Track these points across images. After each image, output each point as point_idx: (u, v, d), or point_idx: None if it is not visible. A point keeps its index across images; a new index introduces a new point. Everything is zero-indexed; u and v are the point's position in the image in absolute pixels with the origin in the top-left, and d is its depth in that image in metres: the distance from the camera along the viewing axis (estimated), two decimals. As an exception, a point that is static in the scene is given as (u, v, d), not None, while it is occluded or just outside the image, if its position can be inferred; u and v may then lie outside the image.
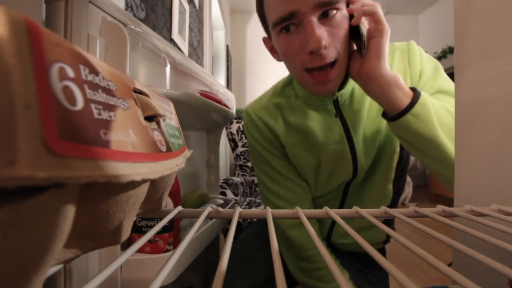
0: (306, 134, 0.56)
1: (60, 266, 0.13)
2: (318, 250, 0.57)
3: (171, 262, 0.13)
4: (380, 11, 0.43)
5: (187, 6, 1.44)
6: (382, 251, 0.72)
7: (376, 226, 0.71)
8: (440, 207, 0.24)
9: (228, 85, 3.31)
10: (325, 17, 0.44)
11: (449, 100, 0.50)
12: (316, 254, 0.58)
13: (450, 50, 3.65)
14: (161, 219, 0.21)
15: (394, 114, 0.44)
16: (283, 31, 0.47)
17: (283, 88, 0.62)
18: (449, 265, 0.17)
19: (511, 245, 0.16)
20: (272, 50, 0.55)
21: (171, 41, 1.21)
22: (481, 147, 0.32)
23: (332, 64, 0.46)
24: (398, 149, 0.57)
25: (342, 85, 0.53)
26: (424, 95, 0.43)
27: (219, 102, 0.74)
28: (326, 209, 0.24)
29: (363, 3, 0.45)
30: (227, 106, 0.81)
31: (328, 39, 0.44)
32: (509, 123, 0.29)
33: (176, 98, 0.53)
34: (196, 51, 1.72)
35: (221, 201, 0.83)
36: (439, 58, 3.79)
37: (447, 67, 3.63)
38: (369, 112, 0.55)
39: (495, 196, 0.30)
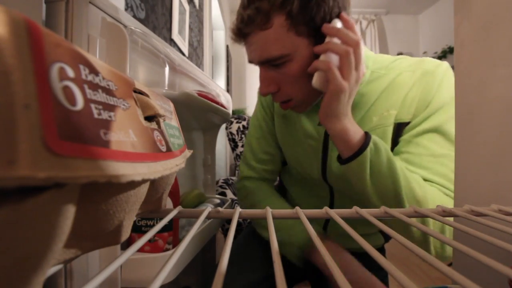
0: (295, 121, 0.61)
1: (60, 266, 0.13)
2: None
3: (173, 260, 0.13)
4: (332, 68, 0.42)
5: (187, 6, 1.44)
6: (382, 251, 0.72)
7: (373, 233, 0.70)
8: (440, 207, 0.24)
9: (228, 85, 3.31)
10: (272, 66, 0.48)
11: (442, 143, 0.47)
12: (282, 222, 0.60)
13: (450, 50, 3.65)
14: (160, 218, 0.21)
15: (339, 159, 0.48)
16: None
17: None
18: (449, 265, 0.17)
19: (511, 245, 0.16)
20: None
21: (171, 41, 1.21)
22: (481, 148, 0.32)
23: (287, 101, 0.52)
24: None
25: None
26: (367, 154, 0.43)
27: (216, 102, 0.75)
28: (326, 209, 0.24)
29: (327, 48, 0.43)
30: (223, 106, 0.81)
31: (277, 84, 0.49)
32: (509, 123, 0.29)
33: (175, 98, 0.53)
34: (196, 51, 1.72)
35: (218, 201, 0.83)
36: (439, 58, 3.79)
37: (447, 67, 3.63)
38: (365, 119, 0.53)
39: (495, 196, 0.30)
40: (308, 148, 0.59)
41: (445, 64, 0.51)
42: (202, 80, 0.81)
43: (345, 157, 0.46)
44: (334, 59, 0.44)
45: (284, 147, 0.66)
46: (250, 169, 0.70)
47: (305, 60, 0.47)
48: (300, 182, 0.68)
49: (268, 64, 0.48)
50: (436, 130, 0.48)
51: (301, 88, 0.49)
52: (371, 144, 0.44)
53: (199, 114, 0.76)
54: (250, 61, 0.51)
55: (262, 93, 0.50)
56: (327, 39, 0.45)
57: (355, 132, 0.45)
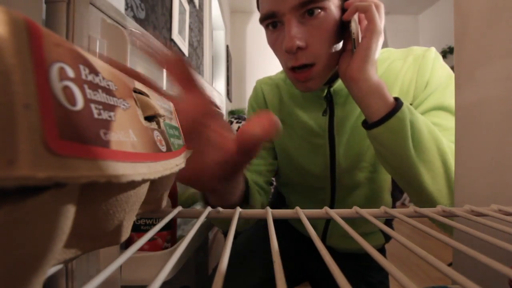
0: (294, 121, 0.59)
1: (60, 266, 0.13)
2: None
3: (175, 258, 0.13)
4: (374, 10, 0.41)
5: (187, 6, 1.44)
6: (382, 251, 0.72)
7: (374, 232, 0.69)
8: (440, 207, 0.24)
9: (228, 84, 3.31)
10: (308, 15, 0.42)
11: (449, 118, 0.47)
12: None
13: (450, 50, 3.65)
14: (159, 218, 0.21)
15: (370, 123, 0.42)
16: (269, 27, 0.47)
17: (283, 73, 0.67)
18: (449, 265, 0.17)
19: (511, 245, 0.16)
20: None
21: (171, 41, 1.21)
22: (481, 147, 0.32)
23: (310, 66, 0.46)
24: None
25: (333, 82, 0.53)
26: (406, 111, 0.40)
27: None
28: (326, 209, 0.24)
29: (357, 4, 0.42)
30: (217, 107, 0.83)
31: (306, 40, 0.43)
32: (509, 123, 0.29)
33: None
34: (196, 51, 1.72)
35: None
36: (439, 58, 3.79)
37: (447, 67, 3.63)
38: (361, 115, 0.54)
39: (495, 196, 0.30)
40: (312, 147, 0.58)
41: (432, 48, 0.54)
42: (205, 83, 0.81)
43: (382, 114, 0.40)
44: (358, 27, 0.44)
45: (283, 152, 0.63)
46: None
47: (335, 17, 0.43)
48: (299, 188, 0.66)
49: (302, 11, 0.42)
50: (439, 107, 0.49)
51: (328, 48, 0.45)
52: (404, 102, 0.41)
53: None
54: (275, 11, 0.43)
55: (291, 46, 0.42)
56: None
57: (385, 86, 0.42)
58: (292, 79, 0.50)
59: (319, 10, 0.42)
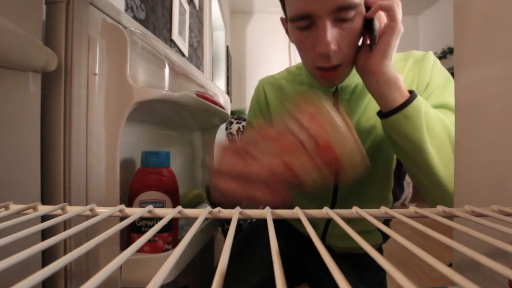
0: None
1: (60, 266, 0.13)
2: None
3: (173, 260, 0.13)
4: (396, 8, 0.43)
5: (187, 7, 1.44)
6: (379, 251, 0.72)
7: (372, 231, 0.70)
8: (440, 208, 0.24)
9: (228, 85, 3.31)
10: (340, 19, 0.44)
11: (450, 114, 0.50)
12: None
13: (450, 51, 3.65)
14: (160, 219, 0.21)
15: (386, 111, 0.45)
16: (298, 27, 0.47)
17: (294, 72, 0.67)
18: (449, 265, 0.17)
19: (511, 246, 0.16)
20: (288, 32, 0.56)
21: (171, 41, 1.22)
22: (481, 148, 0.32)
23: (337, 66, 0.47)
24: (395, 155, 0.58)
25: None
26: (420, 100, 0.44)
27: (215, 103, 0.76)
28: (325, 209, 0.24)
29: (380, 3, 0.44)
30: (222, 107, 0.82)
31: (338, 43, 0.44)
32: (509, 123, 0.29)
33: (176, 99, 0.53)
34: (196, 52, 1.72)
35: None
36: (439, 58, 3.79)
37: (447, 67, 3.62)
38: (366, 111, 0.55)
39: (495, 197, 0.30)
40: None
41: (430, 52, 0.57)
42: (201, 81, 0.81)
43: (400, 102, 0.43)
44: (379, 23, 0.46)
45: None
46: None
47: (362, 18, 0.45)
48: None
49: (338, 16, 0.43)
50: (441, 106, 0.51)
51: (353, 49, 0.47)
52: (418, 95, 0.44)
53: (198, 115, 0.76)
54: (311, 13, 0.43)
55: (327, 50, 0.43)
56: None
57: (401, 79, 0.45)
58: (317, 77, 0.52)
59: (352, 13, 0.44)
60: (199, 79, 0.79)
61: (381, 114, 0.47)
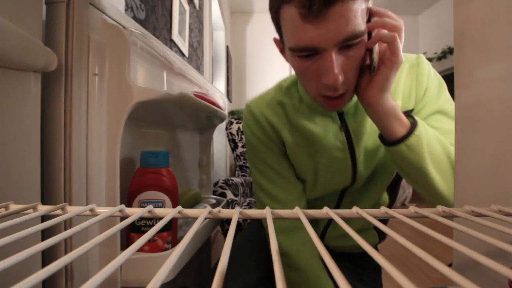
0: (309, 138, 0.56)
1: (60, 266, 0.13)
2: (308, 262, 0.57)
3: (174, 259, 0.13)
4: (397, 41, 0.41)
5: (187, 7, 1.44)
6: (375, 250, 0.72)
7: (369, 229, 0.70)
8: (440, 208, 0.24)
9: (228, 85, 3.31)
10: (345, 48, 0.42)
11: (446, 121, 0.52)
12: (308, 267, 0.58)
13: (450, 51, 3.65)
14: (160, 218, 0.21)
15: (389, 141, 0.46)
16: (299, 56, 0.45)
17: (288, 88, 0.61)
18: (449, 265, 0.17)
19: (511, 246, 0.16)
20: (283, 52, 0.53)
21: (171, 41, 1.22)
22: (481, 148, 0.32)
23: (343, 93, 0.46)
24: None
25: None
26: (420, 127, 0.44)
27: (213, 103, 0.75)
28: (326, 209, 0.24)
29: (384, 23, 0.42)
30: (219, 107, 0.82)
31: (344, 72, 0.43)
32: (509, 123, 0.29)
33: (175, 100, 0.53)
34: (196, 52, 1.72)
35: (214, 201, 0.84)
36: (439, 58, 3.79)
37: (447, 67, 3.63)
38: (372, 124, 0.54)
39: (495, 197, 0.30)
40: (334, 162, 0.56)
41: (422, 55, 0.57)
42: (199, 81, 0.82)
43: (401, 135, 0.44)
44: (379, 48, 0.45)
45: (305, 172, 0.60)
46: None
47: (364, 43, 0.43)
48: (310, 198, 0.64)
49: (344, 45, 0.41)
50: (439, 111, 0.53)
51: (356, 75, 0.46)
52: (417, 118, 0.45)
53: (195, 115, 0.76)
54: (315, 46, 0.41)
55: (335, 82, 0.42)
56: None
57: (399, 108, 0.46)
58: (322, 104, 0.49)
59: (359, 41, 0.42)
60: (197, 79, 0.80)
61: (383, 141, 0.47)
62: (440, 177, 0.45)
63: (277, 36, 0.51)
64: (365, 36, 0.43)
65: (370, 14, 0.44)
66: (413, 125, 0.44)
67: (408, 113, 0.46)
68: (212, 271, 0.68)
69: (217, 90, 0.98)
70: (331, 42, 0.40)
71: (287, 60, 0.51)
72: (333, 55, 0.41)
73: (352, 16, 0.39)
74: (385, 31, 0.42)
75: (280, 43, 0.52)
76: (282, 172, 0.60)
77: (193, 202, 0.76)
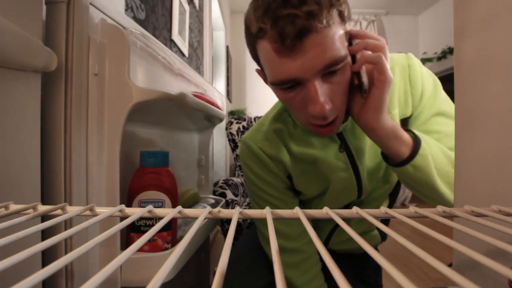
0: (312, 163, 0.55)
1: (61, 266, 0.13)
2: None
3: (174, 258, 0.13)
4: (384, 60, 0.40)
5: (187, 7, 1.44)
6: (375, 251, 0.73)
7: (371, 232, 0.70)
8: (440, 208, 0.24)
9: (228, 85, 3.31)
10: (329, 74, 0.41)
11: (447, 122, 0.51)
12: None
13: (450, 51, 3.65)
14: (159, 218, 0.21)
15: (395, 163, 0.45)
16: (281, 89, 0.44)
17: (280, 114, 0.58)
18: (449, 265, 0.17)
19: (511, 246, 0.16)
20: (267, 83, 0.49)
21: (171, 41, 1.21)
22: (481, 148, 0.32)
23: (334, 119, 0.45)
24: None
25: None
26: (424, 144, 0.43)
27: (211, 103, 0.76)
28: (326, 209, 0.24)
29: (366, 44, 0.41)
30: (218, 107, 0.82)
31: (330, 99, 0.42)
32: (509, 123, 0.29)
33: (174, 100, 0.53)
34: (196, 52, 1.72)
35: (213, 201, 0.84)
36: (439, 58, 3.79)
37: (447, 67, 3.63)
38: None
39: (495, 197, 0.30)
40: (340, 182, 0.55)
41: (411, 55, 0.55)
42: (198, 81, 0.82)
43: (405, 155, 0.43)
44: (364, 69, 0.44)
45: (312, 194, 0.60)
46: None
47: (348, 68, 0.42)
48: (315, 207, 0.65)
49: (326, 72, 0.40)
50: (438, 114, 0.52)
51: (345, 99, 0.44)
52: (418, 133, 0.44)
53: (194, 115, 0.76)
54: (297, 78, 0.40)
55: (322, 112, 0.40)
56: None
57: (399, 126, 0.45)
58: (314, 132, 0.48)
59: (339, 66, 0.41)
60: (195, 79, 0.80)
61: (388, 161, 0.47)
62: (449, 189, 0.44)
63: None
64: (349, 60, 0.42)
65: (351, 37, 0.43)
66: (416, 143, 0.43)
67: (408, 129, 0.46)
68: (207, 271, 0.68)
69: (215, 90, 0.98)
70: (311, 72, 0.39)
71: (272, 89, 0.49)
72: (316, 84, 0.40)
73: (329, 43, 0.38)
74: (369, 53, 0.41)
75: (262, 74, 0.50)
76: (286, 202, 0.59)
77: (192, 202, 0.76)
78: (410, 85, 0.52)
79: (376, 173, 0.55)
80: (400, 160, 0.43)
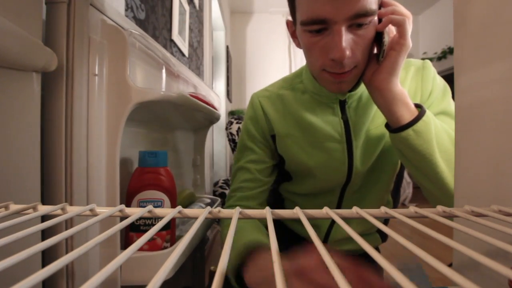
0: (305, 129, 0.57)
1: (61, 265, 0.13)
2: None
3: (175, 258, 0.13)
4: (407, 25, 0.43)
5: (187, 7, 1.44)
6: (376, 251, 0.72)
7: (371, 233, 0.70)
8: (440, 208, 0.24)
9: (228, 85, 3.31)
10: (355, 26, 0.43)
11: (450, 122, 0.52)
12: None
13: (450, 51, 3.65)
14: (159, 218, 0.21)
15: (396, 127, 0.45)
16: (310, 30, 0.46)
17: (291, 80, 0.63)
18: (449, 265, 0.17)
19: (511, 246, 0.16)
20: (294, 35, 0.54)
21: (171, 41, 1.21)
22: (481, 148, 0.32)
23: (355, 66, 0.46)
24: (399, 161, 0.58)
25: (353, 87, 0.54)
26: (429, 115, 0.44)
27: (208, 103, 0.76)
28: (326, 209, 0.24)
29: (394, 10, 0.44)
30: (214, 108, 0.83)
31: (352, 48, 0.43)
32: (509, 123, 0.29)
33: (173, 100, 0.53)
34: (196, 52, 1.72)
35: (208, 200, 0.84)
36: (439, 58, 3.79)
37: (447, 67, 3.63)
38: (374, 119, 0.55)
39: (495, 197, 0.30)
40: (328, 153, 0.56)
41: (427, 60, 0.58)
42: (195, 82, 0.82)
43: (408, 120, 0.44)
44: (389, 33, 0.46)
45: (296, 165, 0.61)
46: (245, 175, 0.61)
47: (374, 26, 0.44)
48: (307, 191, 0.65)
49: (354, 22, 0.42)
50: (443, 113, 0.53)
51: (366, 55, 0.46)
52: (424, 106, 0.45)
53: (190, 115, 0.77)
54: (327, 19, 0.41)
55: (342, 56, 0.42)
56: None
57: (407, 95, 0.46)
58: (324, 80, 0.50)
59: (367, 21, 0.43)
60: (192, 80, 0.80)
61: (389, 128, 0.47)
62: (448, 169, 0.44)
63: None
64: (376, 19, 0.44)
65: (381, 4, 0.46)
66: (421, 111, 0.44)
67: (416, 103, 0.47)
68: (201, 270, 0.68)
69: (211, 90, 0.99)
70: (342, 15, 0.41)
71: (297, 43, 0.53)
72: (342, 30, 0.42)
73: None
74: (395, 16, 0.43)
75: (292, 25, 0.53)
76: (263, 159, 0.62)
77: (188, 202, 0.77)
78: (422, 83, 0.55)
79: (371, 154, 0.56)
80: (402, 124, 0.44)
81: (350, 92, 0.54)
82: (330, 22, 0.42)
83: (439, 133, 0.45)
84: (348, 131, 0.55)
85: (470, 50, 0.33)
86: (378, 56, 0.46)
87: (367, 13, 0.41)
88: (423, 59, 0.59)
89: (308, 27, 0.45)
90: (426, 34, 4.14)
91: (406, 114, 0.44)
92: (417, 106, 0.47)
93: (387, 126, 0.48)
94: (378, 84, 0.45)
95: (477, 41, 0.32)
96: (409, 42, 0.43)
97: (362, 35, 0.44)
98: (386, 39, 0.45)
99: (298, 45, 0.53)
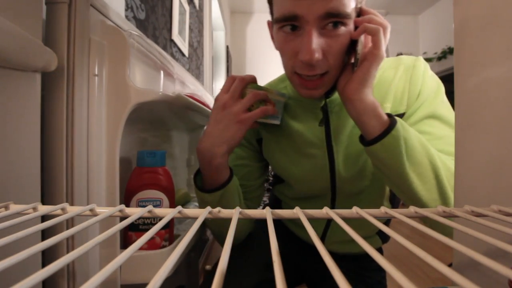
0: (289, 134, 0.57)
1: (61, 265, 0.13)
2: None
3: (176, 256, 0.13)
4: (381, 34, 0.42)
5: (187, 7, 1.44)
6: (379, 252, 0.72)
7: (371, 236, 0.68)
8: (440, 208, 0.24)
9: (228, 85, 3.31)
10: (332, 27, 0.42)
11: (439, 126, 0.50)
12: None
13: (450, 51, 3.65)
14: (158, 217, 0.21)
15: (367, 140, 0.45)
16: (283, 29, 0.45)
17: (276, 85, 0.63)
18: (449, 265, 0.17)
19: (511, 246, 0.16)
20: (273, 38, 0.53)
21: (171, 41, 1.22)
22: (481, 148, 0.32)
23: (322, 74, 0.46)
24: None
25: (330, 93, 0.53)
26: (399, 128, 0.43)
27: (203, 103, 0.76)
28: (325, 209, 0.24)
29: (370, 19, 0.43)
30: (210, 108, 0.84)
31: (323, 51, 0.43)
32: (509, 124, 0.29)
33: (172, 101, 0.53)
34: (196, 52, 1.72)
35: None
36: (439, 58, 3.79)
37: (447, 67, 3.63)
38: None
39: (495, 197, 0.30)
40: (309, 159, 0.56)
41: (421, 58, 0.55)
42: (191, 82, 0.82)
43: (378, 133, 0.43)
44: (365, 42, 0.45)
45: (281, 169, 0.61)
46: None
47: (351, 32, 0.44)
48: (300, 195, 0.65)
49: (326, 22, 0.42)
50: (432, 116, 0.51)
51: (340, 61, 0.45)
52: (398, 119, 0.44)
53: (186, 115, 0.77)
54: (299, 15, 0.41)
55: (310, 58, 0.42)
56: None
57: (380, 106, 0.45)
58: (296, 84, 0.49)
59: (339, 26, 0.42)
60: (189, 80, 0.80)
61: (362, 141, 0.47)
62: (420, 182, 0.43)
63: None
64: (352, 26, 0.43)
65: (360, 11, 0.45)
66: (391, 124, 0.43)
67: (390, 114, 0.45)
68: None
69: (206, 91, 0.99)
70: (314, 13, 0.40)
71: (274, 44, 0.53)
72: (312, 30, 0.41)
73: None
74: (370, 24, 0.42)
75: (272, 26, 0.52)
76: (249, 162, 0.62)
77: (183, 202, 0.77)
78: (410, 84, 0.53)
79: (355, 160, 0.54)
80: (372, 138, 0.43)
81: (327, 98, 0.53)
82: (302, 20, 0.42)
83: (410, 146, 0.43)
84: (328, 136, 0.54)
85: (470, 50, 0.33)
86: (353, 66, 0.45)
87: (340, 15, 0.41)
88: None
89: (281, 24, 0.44)
90: (426, 34, 4.14)
91: (377, 126, 0.43)
92: (390, 115, 0.45)
93: (361, 139, 0.47)
94: (348, 94, 0.44)
95: (477, 41, 0.32)
96: (382, 53, 0.42)
97: (335, 40, 0.43)
98: (360, 48, 0.44)
99: (277, 46, 0.52)
